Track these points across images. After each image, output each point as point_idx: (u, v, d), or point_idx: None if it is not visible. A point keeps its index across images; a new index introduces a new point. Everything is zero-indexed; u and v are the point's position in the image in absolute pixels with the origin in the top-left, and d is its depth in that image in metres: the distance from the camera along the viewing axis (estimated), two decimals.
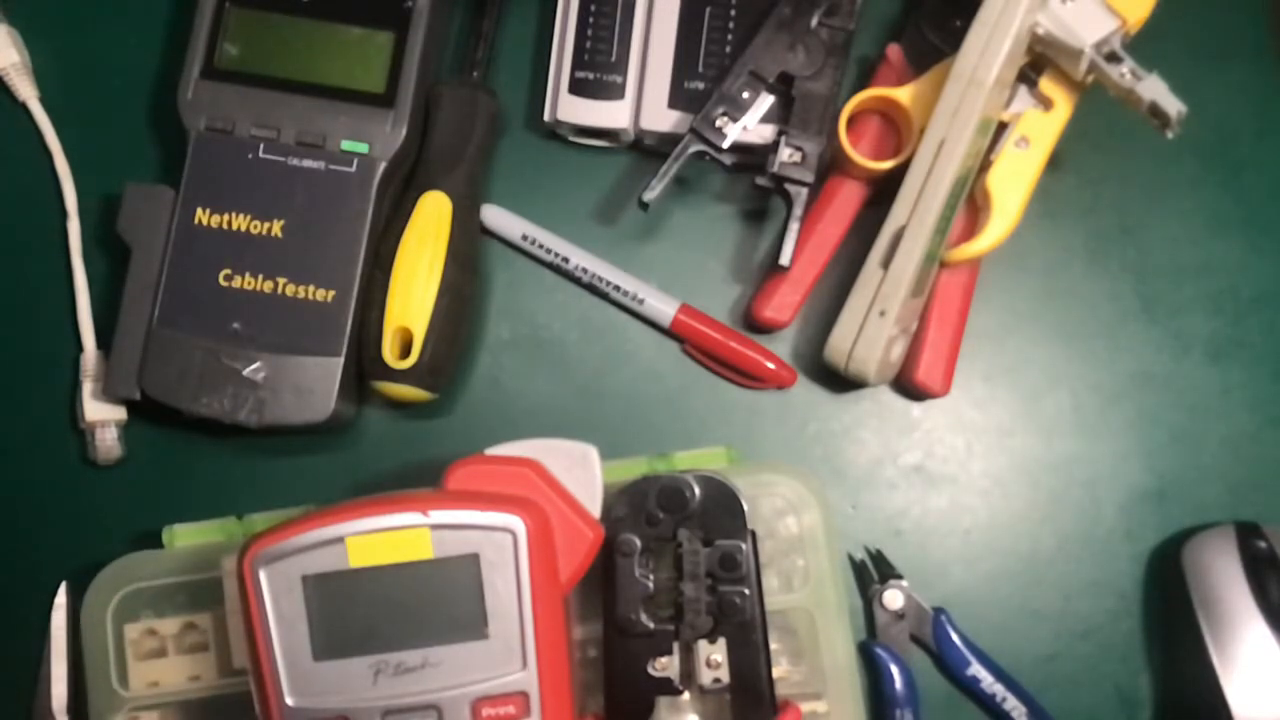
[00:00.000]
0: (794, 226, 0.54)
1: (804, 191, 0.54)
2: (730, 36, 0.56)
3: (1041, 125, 0.53)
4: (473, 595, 0.44)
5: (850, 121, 0.55)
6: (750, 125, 0.54)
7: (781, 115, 0.54)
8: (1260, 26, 0.59)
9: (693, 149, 0.54)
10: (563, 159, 0.58)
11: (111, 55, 0.59)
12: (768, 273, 0.56)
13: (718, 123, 0.54)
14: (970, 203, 0.54)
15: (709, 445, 0.52)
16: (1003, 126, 0.53)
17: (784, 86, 0.54)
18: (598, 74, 0.56)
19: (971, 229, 0.54)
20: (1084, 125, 0.54)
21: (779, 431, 0.56)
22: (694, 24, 0.56)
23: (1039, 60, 0.53)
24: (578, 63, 0.56)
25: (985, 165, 0.53)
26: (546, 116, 0.57)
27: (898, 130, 0.56)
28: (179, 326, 0.53)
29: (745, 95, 0.54)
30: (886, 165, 0.54)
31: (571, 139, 0.58)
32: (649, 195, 0.54)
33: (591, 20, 0.56)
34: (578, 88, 0.56)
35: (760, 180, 0.54)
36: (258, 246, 0.53)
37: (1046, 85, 0.53)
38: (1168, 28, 0.53)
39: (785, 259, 0.54)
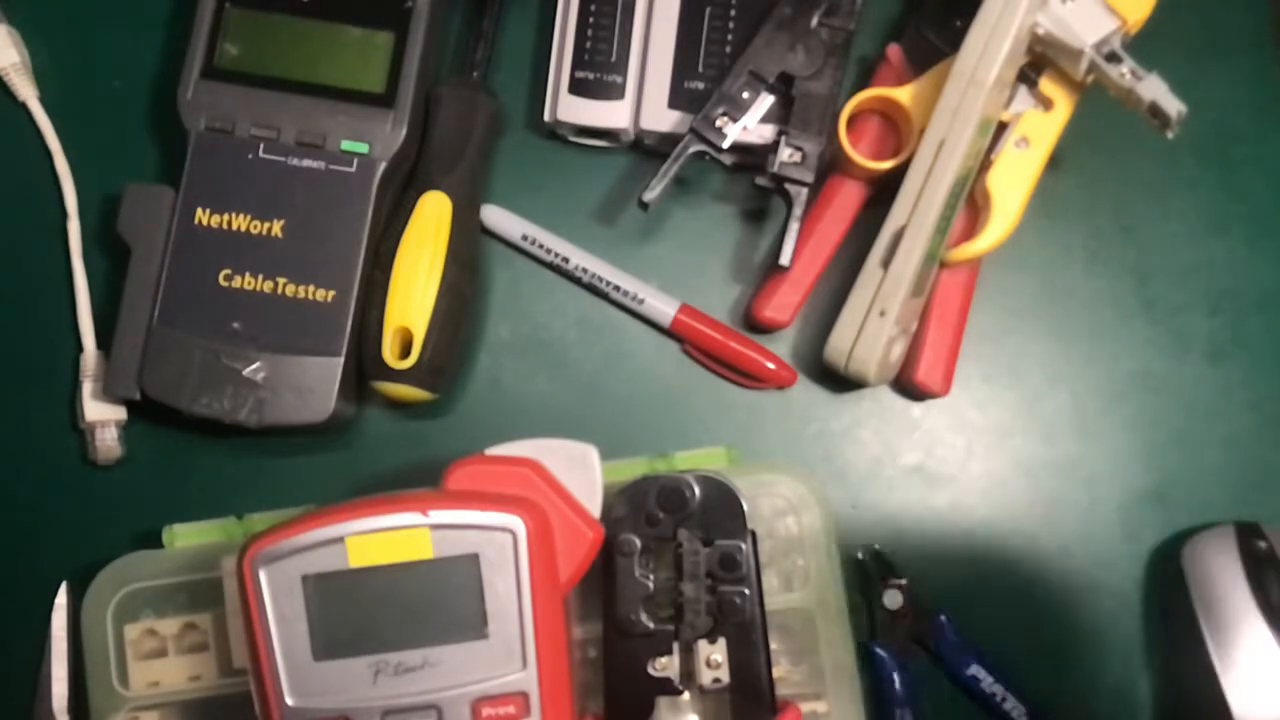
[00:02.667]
0: (794, 226, 0.54)
1: (804, 191, 0.54)
2: (730, 36, 0.56)
3: (1041, 125, 0.53)
4: (473, 595, 0.44)
5: (850, 121, 0.55)
6: (750, 125, 0.54)
7: (781, 115, 0.54)
8: (1260, 26, 0.59)
9: (693, 149, 0.54)
10: (563, 159, 0.58)
11: (111, 55, 0.59)
12: (768, 273, 0.56)
13: (718, 123, 0.54)
14: (970, 203, 0.54)
15: (709, 445, 0.52)
16: (1003, 126, 0.53)
17: (784, 86, 0.54)
18: (598, 74, 0.56)
19: (971, 229, 0.54)
20: (1084, 125, 0.54)
21: (779, 431, 0.56)
22: (694, 24, 0.56)
23: (1039, 60, 0.53)
24: (578, 63, 0.56)
25: (985, 165, 0.53)
26: (546, 116, 0.57)
27: (898, 130, 0.56)
28: (179, 326, 0.53)
29: (745, 95, 0.54)
30: (886, 165, 0.54)
31: (571, 139, 0.58)
32: (649, 195, 0.54)
33: (591, 20, 0.56)
34: (578, 88, 0.56)
35: (760, 180, 0.54)
36: (258, 246, 0.53)
37: (1046, 85, 0.53)
38: (1168, 28, 0.53)
39: (785, 259, 0.54)
